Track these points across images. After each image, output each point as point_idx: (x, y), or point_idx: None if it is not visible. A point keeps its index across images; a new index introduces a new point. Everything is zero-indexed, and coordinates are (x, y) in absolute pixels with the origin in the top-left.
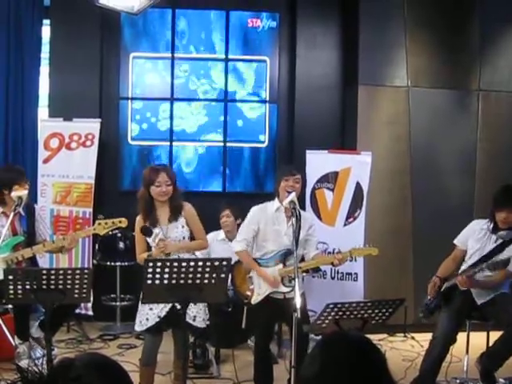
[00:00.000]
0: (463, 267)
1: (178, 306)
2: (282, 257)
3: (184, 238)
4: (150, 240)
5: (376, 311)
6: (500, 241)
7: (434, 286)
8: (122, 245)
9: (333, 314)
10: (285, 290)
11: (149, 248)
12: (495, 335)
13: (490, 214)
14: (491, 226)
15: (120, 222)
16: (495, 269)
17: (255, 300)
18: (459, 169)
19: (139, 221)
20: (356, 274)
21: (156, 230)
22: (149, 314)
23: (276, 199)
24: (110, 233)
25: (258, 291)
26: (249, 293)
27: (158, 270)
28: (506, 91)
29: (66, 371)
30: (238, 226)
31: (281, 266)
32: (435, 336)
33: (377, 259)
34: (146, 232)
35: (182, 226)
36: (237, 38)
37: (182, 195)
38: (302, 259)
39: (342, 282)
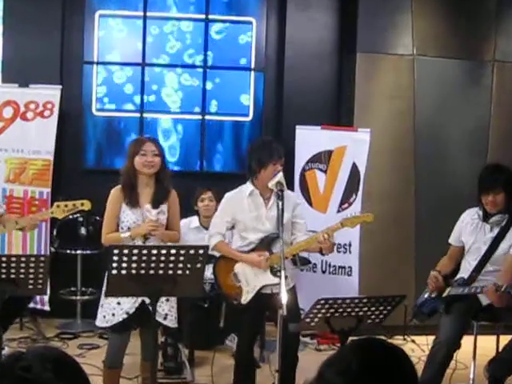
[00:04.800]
0: (465, 265)
1: (148, 301)
2: (266, 244)
3: (163, 225)
4: (134, 216)
5: (372, 309)
6: (496, 229)
7: (436, 281)
8: (83, 230)
9: (323, 310)
10: (275, 280)
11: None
12: (506, 339)
13: (478, 198)
14: (481, 213)
15: (82, 204)
16: None
17: (246, 299)
18: (469, 149)
19: (117, 194)
20: (350, 267)
21: (147, 205)
22: (116, 309)
23: (248, 182)
24: (71, 216)
25: (247, 288)
26: (237, 292)
27: (125, 258)
28: None
29: (15, 362)
30: None
31: (267, 254)
32: (437, 340)
33: (374, 251)
34: (133, 204)
35: (164, 213)
36: None
37: (170, 178)
38: None
39: (335, 277)
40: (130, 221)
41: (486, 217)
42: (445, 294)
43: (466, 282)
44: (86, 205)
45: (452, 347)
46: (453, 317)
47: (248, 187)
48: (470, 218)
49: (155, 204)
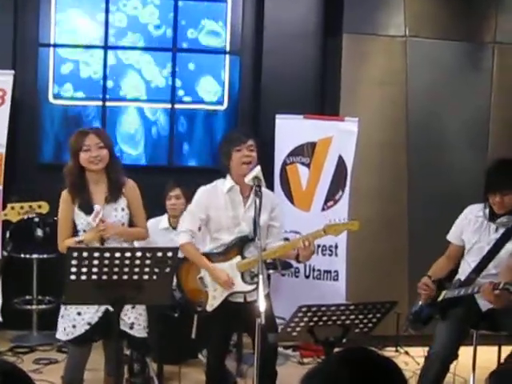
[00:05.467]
0: (464, 267)
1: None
2: (238, 247)
3: (124, 224)
4: (87, 219)
5: (360, 317)
6: (502, 229)
7: (427, 288)
8: (40, 232)
9: (306, 319)
10: (246, 288)
11: (76, 234)
12: (508, 350)
13: (484, 196)
14: (487, 211)
15: (40, 206)
16: None
17: (211, 306)
18: (468, 141)
19: (66, 198)
20: (336, 271)
21: (97, 207)
22: (76, 320)
23: (228, 177)
24: (25, 217)
25: (214, 294)
26: (202, 298)
27: (85, 261)
28: None
29: None
30: None
31: (239, 258)
32: (432, 351)
33: (363, 254)
34: (84, 208)
35: (122, 209)
36: None
37: (122, 168)
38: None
39: (319, 282)
40: (84, 223)
41: (492, 216)
42: (440, 298)
43: (463, 284)
44: (44, 207)
45: (448, 358)
46: (449, 323)
47: (227, 182)
48: (473, 215)
49: (110, 199)
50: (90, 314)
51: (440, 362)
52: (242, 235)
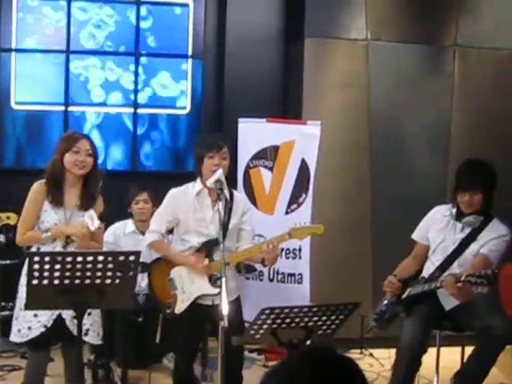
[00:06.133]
0: (428, 266)
1: (65, 315)
2: (207, 250)
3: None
4: (55, 218)
5: (323, 318)
6: (468, 229)
7: (392, 286)
8: (2, 238)
9: (269, 321)
10: (214, 291)
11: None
12: (471, 350)
13: (453, 196)
14: (455, 211)
15: (8, 217)
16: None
17: (179, 308)
18: (430, 144)
19: (39, 189)
20: (300, 274)
21: (91, 211)
22: (32, 322)
23: (198, 180)
24: None
25: (182, 297)
26: (170, 300)
27: (47, 266)
28: (490, 47)
29: None
30: None
31: (206, 261)
32: (401, 345)
33: (326, 257)
34: (55, 205)
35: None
36: None
37: (100, 182)
38: None
39: (283, 285)
40: (51, 221)
41: (458, 216)
42: (404, 296)
43: (426, 281)
44: (13, 219)
45: (418, 350)
46: (415, 318)
47: (197, 185)
48: (440, 214)
49: (82, 207)
50: (47, 316)
51: (410, 352)
52: (211, 238)
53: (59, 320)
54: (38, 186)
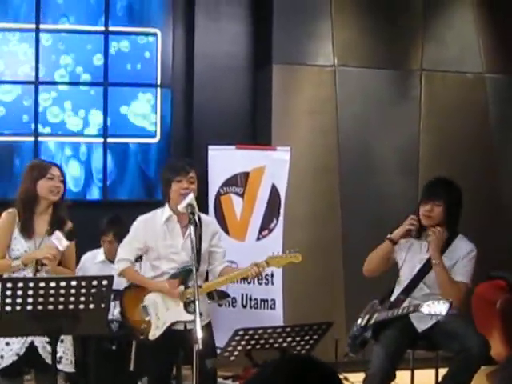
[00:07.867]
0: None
1: (37, 342)
2: (181, 277)
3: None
4: (25, 246)
5: (297, 339)
6: None
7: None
8: None
9: (243, 342)
10: (188, 317)
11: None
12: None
13: (417, 210)
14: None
15: None
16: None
17: (154, 334)
18: (398, 167)
19: (10, 217)
20: (273, 300)
21: (58, 233)
22: (4, 350)
23: (166, 206)
24: None
25: (157, 323)
26: (144, 326)
27: (20, 292)
28: (455, 71)
29: None
30: None
31: (182, 288)
32: (369, 373)
33: (299, 281)
34: (25, 233)
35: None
36: (119, 5)
37: (66, 209)
38: (207, 278)
39: (257, 311)
40: (21, 249)
41: (419, 233)
42: (372, 322)
43: (392, 306)
44: None
45: (385, 378)
46: (384, 345)
47: (165, 212)
48: (403, 240)
49: (51, 233)
50: (19, 344)
51: (379, 380)
52: (187, 266)
53: (31, 348)
54: (8, 216)
